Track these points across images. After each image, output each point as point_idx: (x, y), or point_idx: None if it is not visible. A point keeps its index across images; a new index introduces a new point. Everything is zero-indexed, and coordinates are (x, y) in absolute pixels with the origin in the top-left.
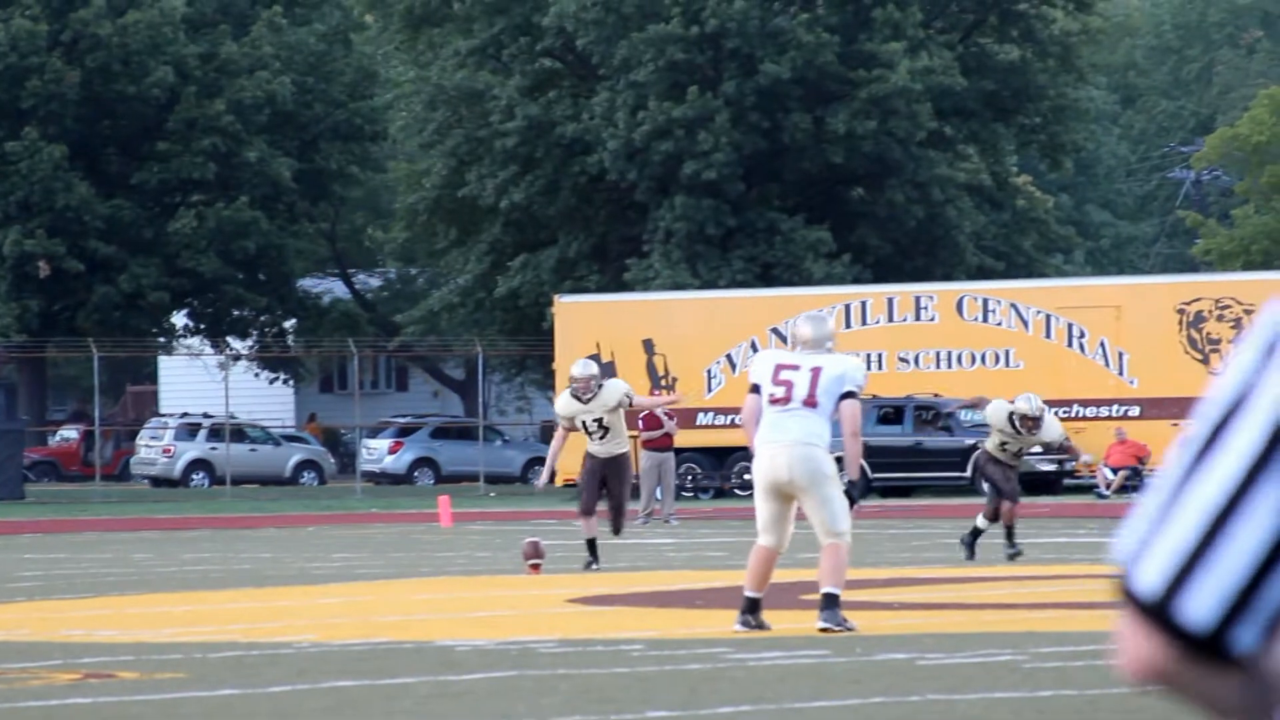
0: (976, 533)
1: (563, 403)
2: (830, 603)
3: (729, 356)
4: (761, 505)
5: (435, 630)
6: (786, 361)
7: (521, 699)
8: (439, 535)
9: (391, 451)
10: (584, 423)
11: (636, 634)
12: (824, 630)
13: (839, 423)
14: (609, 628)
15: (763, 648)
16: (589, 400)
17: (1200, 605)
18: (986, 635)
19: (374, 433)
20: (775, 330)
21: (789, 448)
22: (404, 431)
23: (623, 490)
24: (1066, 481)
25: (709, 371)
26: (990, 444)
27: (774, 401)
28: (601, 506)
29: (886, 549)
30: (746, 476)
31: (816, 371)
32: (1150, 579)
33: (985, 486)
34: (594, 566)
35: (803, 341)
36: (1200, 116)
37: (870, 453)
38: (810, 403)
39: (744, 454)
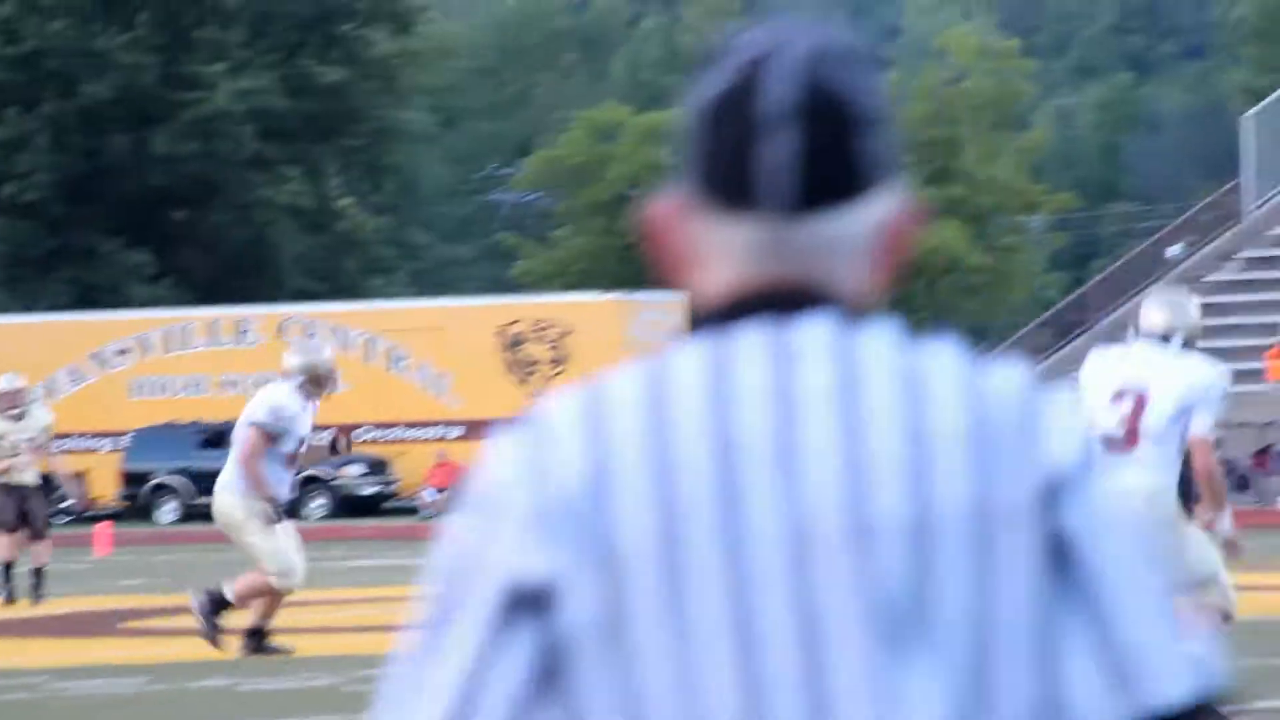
0: None
1: None
2: (218, 603)
3: (46, 383)
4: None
5: None
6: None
7: None
8: None
9: None
10: (12, 443)
11: None
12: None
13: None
14: None
15: (84, 676)
16: (18, 420)
17: None
18: (304, 660)
19: None
20: (93, 356)
21: (218, 493)
22: None
23: (45, 513)
24: (386, 505)
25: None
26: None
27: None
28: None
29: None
30: (61, 505)
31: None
32: None
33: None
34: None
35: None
36: (520, 138)
37: (194, 477)
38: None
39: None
